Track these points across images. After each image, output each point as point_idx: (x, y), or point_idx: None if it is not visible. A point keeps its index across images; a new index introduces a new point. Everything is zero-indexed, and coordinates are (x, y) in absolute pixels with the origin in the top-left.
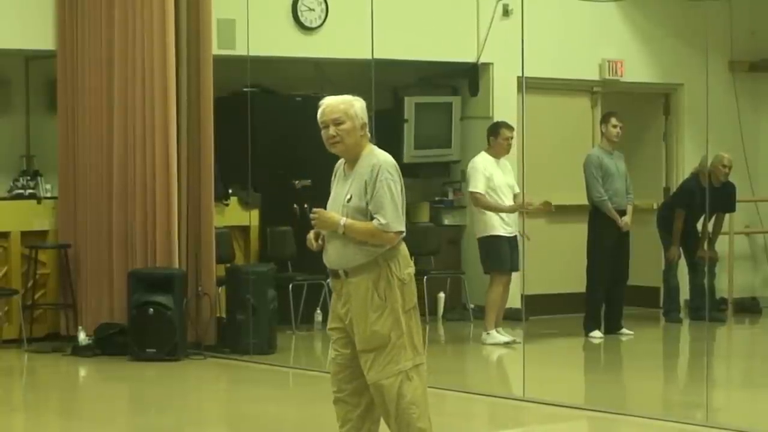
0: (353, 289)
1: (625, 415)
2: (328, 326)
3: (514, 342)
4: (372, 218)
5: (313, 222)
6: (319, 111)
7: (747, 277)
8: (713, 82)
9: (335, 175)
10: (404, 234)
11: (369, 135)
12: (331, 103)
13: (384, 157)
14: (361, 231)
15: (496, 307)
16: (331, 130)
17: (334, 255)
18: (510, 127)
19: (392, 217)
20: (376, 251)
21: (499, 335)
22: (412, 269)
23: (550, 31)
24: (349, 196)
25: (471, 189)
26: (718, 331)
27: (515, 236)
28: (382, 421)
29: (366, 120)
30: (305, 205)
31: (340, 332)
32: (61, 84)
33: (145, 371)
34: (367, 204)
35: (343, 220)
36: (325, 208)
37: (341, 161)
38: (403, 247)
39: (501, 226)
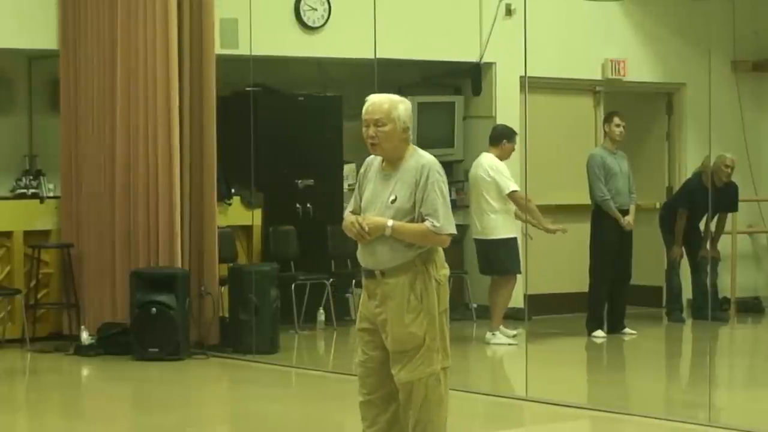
0: (390, 290)
1: (628, 414)
2: (357, 326)
3: (517, 334)
4: (422, 220)
5: (357, 234)
6: (364, 108)
7: (750, 277)
8: (716, 82)
9: (367, 173)
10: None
11: (411, 137)
12: (375, 102)
13: (430, 158)
14: (411, 233)
15: (504, 308)
16: (371, 131)
17: (370, 255)
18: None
19: (445, 220)
20: (414, 252)
21: (503, 336)
22: (447, 270)
23: (553, 30)
24: (393, 197)
25: (513, 188)
26: (720, 331)
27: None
28: None
29: (409, 124)
30: (308, 205)
31: (370, 334)
32: (64, 83)
33: (147, 371)
34: (413, 205)
35: (390, 222)
36: (331, 207)
37: (372, 158)
38: (440, 249)
39: (516, 228)
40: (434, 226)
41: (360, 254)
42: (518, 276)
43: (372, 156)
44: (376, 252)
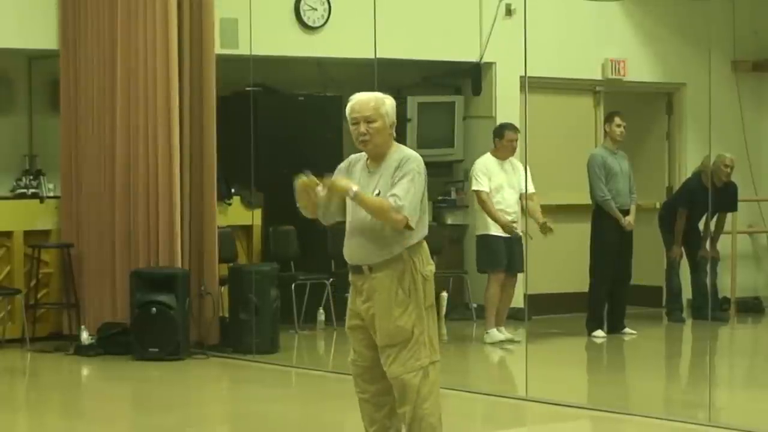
0: (377, 284)
1: (628, 414)
2: (348, 324)
3: (511, 341)
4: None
5: (320, 190)
6: (349, 106)
7: (750, 277)
8: (716, 82)
9: (350, 169)
10: (426, 233)
11: (395, 134)
12: (362, 100)
13: (411, 152)
14: (371, 203)
15: (493, 307)
16: (362, 128)
17: (357, 250)
18: (515, 129)
19: (408, 202)
20: (402, 247)
21: (497, 334)
22: (432, 267)
23: (553, 30)
24: (377, 192)
25: (474, 188)
26: (720, 331)
27: (519, 237)
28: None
29: (395, 119)
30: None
31: (361, 332)
32: (64, 83)
33: (147, 371)
34: None
35: (355, 187)
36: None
37: (356, 156)
38: (425, 245)
39: (496, 226)
40: (396, 203)
41: (347, 250)
42: (518, 276)
43: (356, 154)
44: (365, 247)
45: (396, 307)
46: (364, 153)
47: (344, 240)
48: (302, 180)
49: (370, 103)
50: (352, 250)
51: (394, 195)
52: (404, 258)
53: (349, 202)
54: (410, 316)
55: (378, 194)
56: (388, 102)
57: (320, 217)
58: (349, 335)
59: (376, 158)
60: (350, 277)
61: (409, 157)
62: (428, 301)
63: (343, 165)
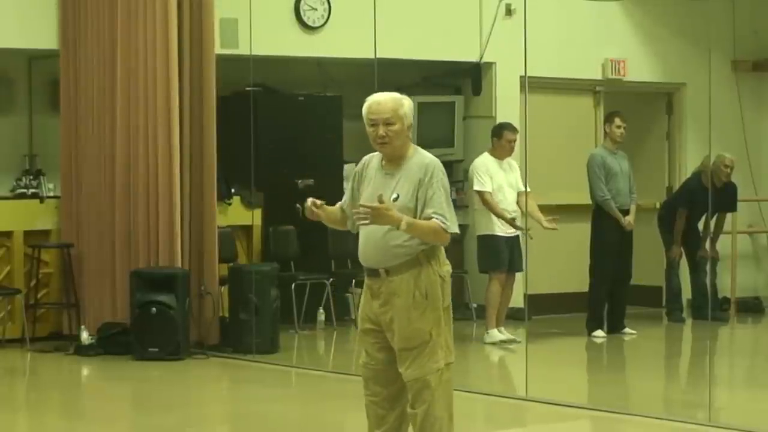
0: (395, 287)
1: (628, 414)
2: (360, 327)
3: (512, 341)
4: (426, 218)
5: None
6: (366, 106)
7: (750, 277)
8: (716, 82)
9: (364, 171)
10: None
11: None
12: (380, 101)
13: (433, 158)
14: (424, 229)
15: (495, 307)
16: (381, 131)
17: (374, 253)
18: (514, 129)
19: (451, 218)
20: (418, 249)
21: (497, 333)
22: (449, 267)
23: (553, 30)
24: (395, 195)
25: (477, 188)
26: (720, 331)
27: (517, 236)
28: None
29: (411, 120)
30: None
31: (374, 335)
32: (64, 83)
33: (147, 371)
34: (416, 205)
35: (405, 218)
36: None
37: (370, 156)
38: (441, 246)
39: (499, 226)
40: (444, 223)
41: (362, 253)
42: (518, 275)
43: (370, 155)
44: (382, 250)
45: (414, 309)
46: (376, 153)
47: (359, 243)
48: (306, 208)
49: (388, 104)
50: (367, 253)
51: (439, 215)
52: (421, 260)
53: (364, 202)
54: (428, 319)
55: (397, 198)
56: (406, 103)
57: (350, 227)
58: (361, 338)
59: (394, 160)
60: (365, 280)
61: (434, 167)
62: (445, 302)
63: (358, 168)
